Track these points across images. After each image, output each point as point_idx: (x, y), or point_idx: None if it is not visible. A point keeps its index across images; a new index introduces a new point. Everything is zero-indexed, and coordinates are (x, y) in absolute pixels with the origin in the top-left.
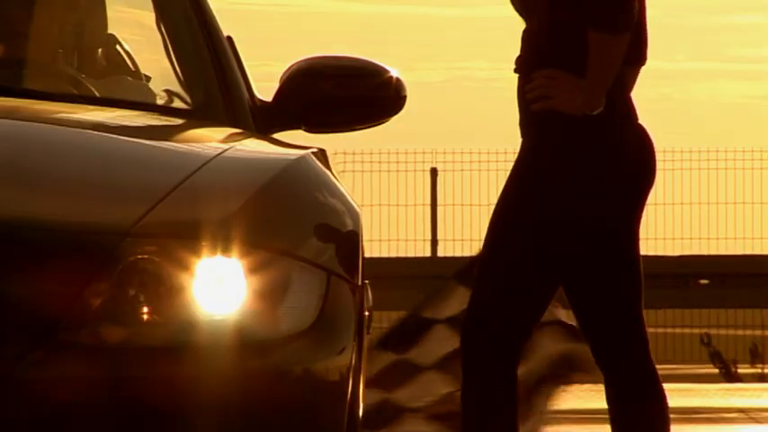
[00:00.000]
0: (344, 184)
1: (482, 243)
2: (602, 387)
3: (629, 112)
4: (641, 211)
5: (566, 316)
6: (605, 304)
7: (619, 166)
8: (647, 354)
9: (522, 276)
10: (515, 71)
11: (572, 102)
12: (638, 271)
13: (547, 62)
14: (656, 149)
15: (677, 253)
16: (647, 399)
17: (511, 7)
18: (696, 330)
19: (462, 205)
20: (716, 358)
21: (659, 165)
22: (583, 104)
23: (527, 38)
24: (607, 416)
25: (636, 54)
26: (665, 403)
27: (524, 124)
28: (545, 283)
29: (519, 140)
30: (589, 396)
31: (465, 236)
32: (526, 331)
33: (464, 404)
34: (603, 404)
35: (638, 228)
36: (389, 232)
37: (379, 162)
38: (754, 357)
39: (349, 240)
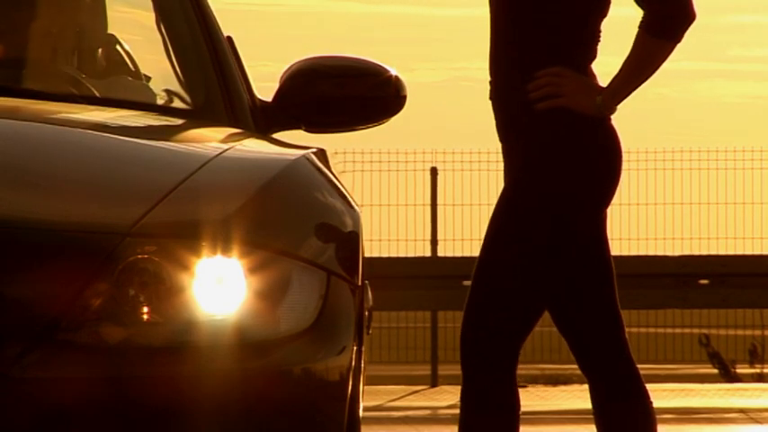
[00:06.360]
0: (344, 184)
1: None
2: None
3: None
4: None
5: None
6: (581, 306)
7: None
8: (628, 353)
9: (520, 275)
10: (498, 72)
11: (585, 101)
12: (610, 271)
13: (554, 59)
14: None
15: (677, 253)
16: (630, 398)
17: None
18: (696, 330)
19: (462, 205)
20: (714, 359)
21: (660, 164)
22: (603, 105)
23: (525, 37)
24: None
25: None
26: (648, 401)
27: (516, 128)
28: (544, 281)
29: None
30: (589, 396)
31: (465, 236)
32: (525, 332)
33: (463, 407)
34: None
35: (606, 227)
36: (389, 232)
37: (380, 162)
38: (754, 358)
39: (349, 240)
